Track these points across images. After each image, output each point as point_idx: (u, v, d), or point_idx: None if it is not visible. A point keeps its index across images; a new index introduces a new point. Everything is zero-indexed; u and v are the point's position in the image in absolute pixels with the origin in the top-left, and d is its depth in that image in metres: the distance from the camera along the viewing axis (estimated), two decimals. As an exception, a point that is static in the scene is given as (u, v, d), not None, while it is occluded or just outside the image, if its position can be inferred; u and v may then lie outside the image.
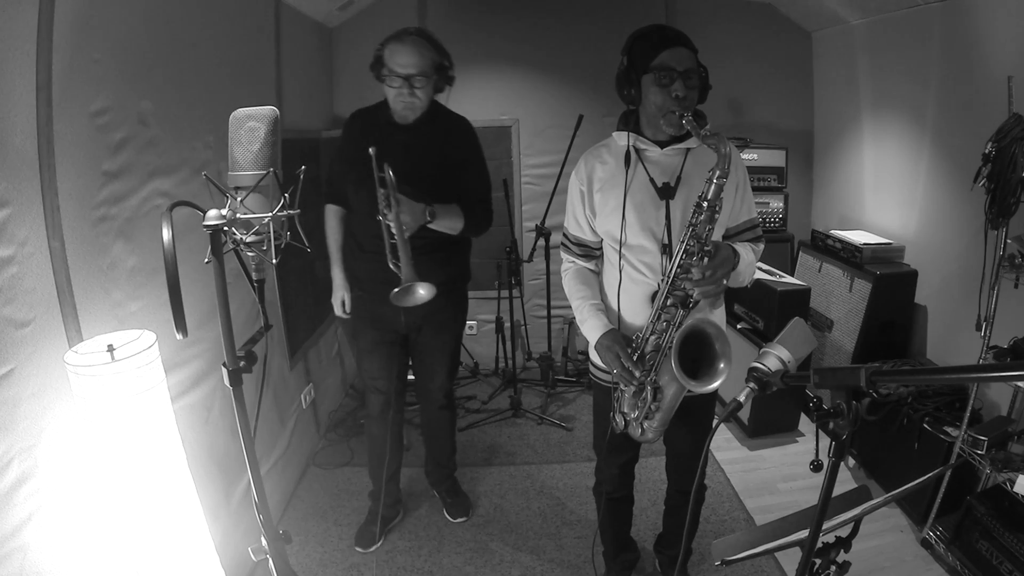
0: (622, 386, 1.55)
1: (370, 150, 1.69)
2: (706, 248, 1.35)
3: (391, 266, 1.75)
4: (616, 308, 1.56)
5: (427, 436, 2.42)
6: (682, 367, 1.34)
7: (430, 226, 1.83)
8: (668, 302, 1.42)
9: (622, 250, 1.50)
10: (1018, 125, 1.87)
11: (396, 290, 1.65)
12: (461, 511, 2.40)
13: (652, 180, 1.46)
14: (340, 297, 2.17)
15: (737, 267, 1.44)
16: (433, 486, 2.49)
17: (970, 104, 2.40)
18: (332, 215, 2.14)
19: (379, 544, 2.27)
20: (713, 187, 1.32)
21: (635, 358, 1.46)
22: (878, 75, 3.02)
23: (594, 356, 1.67)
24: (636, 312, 1.53)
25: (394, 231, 1.71)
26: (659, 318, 1.43)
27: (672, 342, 1.40)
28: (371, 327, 2.13)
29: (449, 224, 1.90)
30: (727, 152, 1.29)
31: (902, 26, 2.76)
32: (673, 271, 1.39)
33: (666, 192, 1.45)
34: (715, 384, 1.36)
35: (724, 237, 1.54)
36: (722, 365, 1.36)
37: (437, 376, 2.23)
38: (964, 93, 2.44)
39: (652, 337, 1.45)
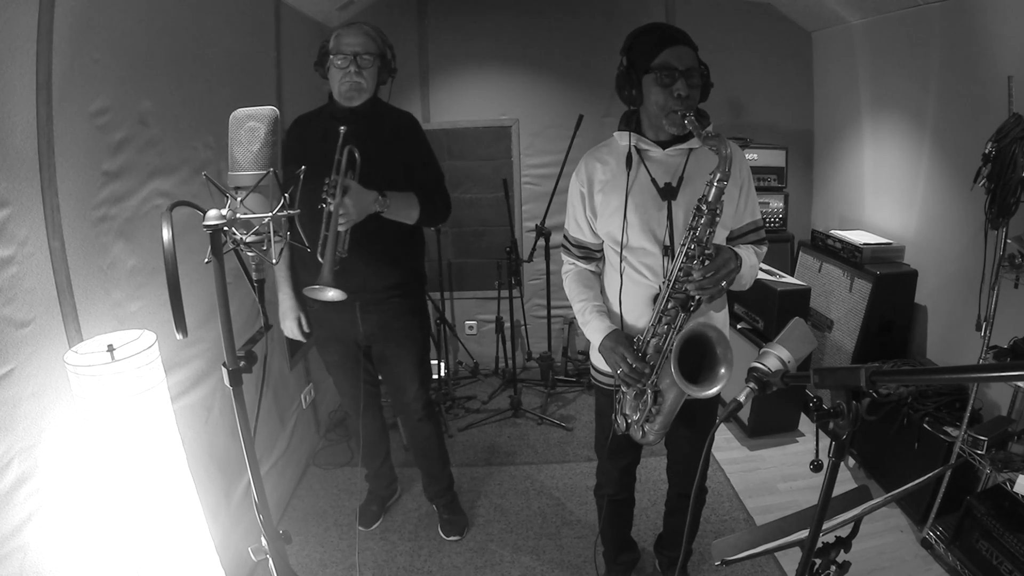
0: (624, 388, 1.54)
1: (340, 128, 1.65)
2: (707, 252, 1.34)
3: (319, 257, 1.68)
4: (618, 310, 1.55)
5: (414, 451, 2.32)
6: (683, 371, 1.33)
7: (384, 215, 1.78)
8: (669, 305, 1.41)
9: (623, 252, 1.49)
10: (1018, 125, 1.87)
11: (308, 287, 1.63)
12: (455, 530, 2.30)
13: (654, 180, 1.45)
14: (293, 319, 2.08)
15: (740, 270, 1.43)
16: (431, 500, 2.40)
17: (970, 104, 2.40)
18: None
19: (380, 522, 2.38)
20: (714, 190, 1.30)
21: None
22: (878, 75, 3.02)
23: (595, 359, 1.66)
24: (638, 314, 1.53)
25: (332, 222, 1.65)
26: (660, 321, 1.43)
27: (672, 346, 1.39)
28: (332, 338, 2.09)
29: (403, 212, 1.84)
30: (728, 154, 1.28)
31: (902, 26, 2.76)
32: (674, 274, 1.38)
33: (668, 193, 1.44)
34: (715, 389, 1.35)
35: (728, 238, 1.53)
36: (723, 370, 1.35)
37: (409, 387, 2.13)
38: (964, 93, 2.44)
39: (653, 340, 1.44)
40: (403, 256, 1.99)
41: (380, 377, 2.23)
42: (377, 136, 1.82)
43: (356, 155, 1.71)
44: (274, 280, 2.10)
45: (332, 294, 1.63)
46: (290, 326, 2.10)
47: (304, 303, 2.07)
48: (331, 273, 1.62)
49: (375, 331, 2.01)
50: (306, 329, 2.10)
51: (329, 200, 1.65)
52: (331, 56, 1.80)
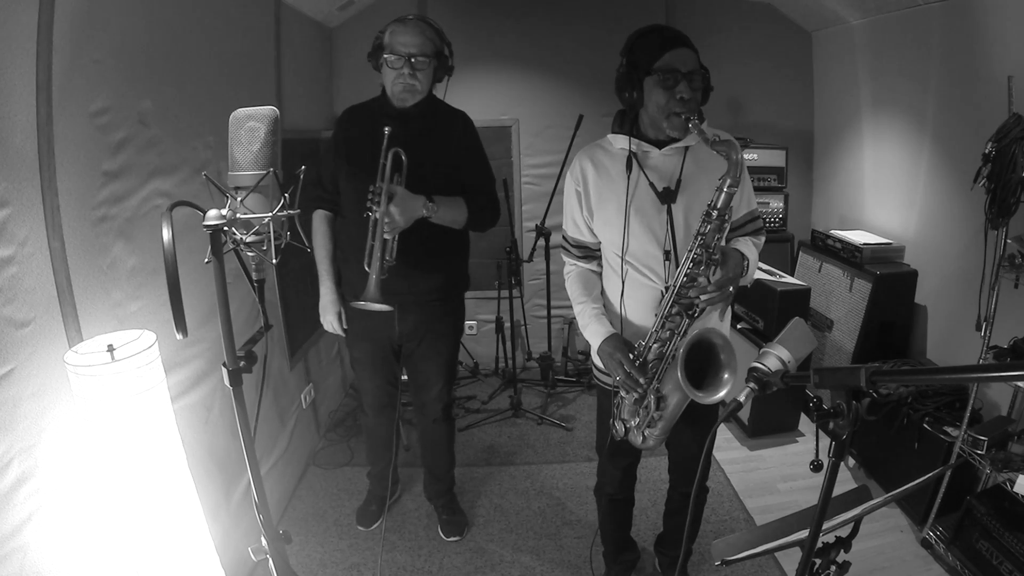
0: (623, 393, 1.53)
1: (385, 129, 1.62)
2: (714, 257, 1.32)
3: (365, 266, 1.66)
4: (619, 312, 1.54)
5: (424, 450, 2.31)
6: (687, 376, 1.33)
7: (432, 220, 1.74)
8: (673, 311, 1.39)
9: (625, 256, 1.48)
10: (1018, 125, 1.87)
11: (354, 301, 1.62)
12: (455, 530, 2.29)
13: (652, 185, 1.44)
14: (335, 313, 2.02)
15: (747, 271, 1.42)
16: (430, 499, 2.40)
17: (970, 104, 2.40)
18: (321, 221, 2.00)
19: (380, 522, 2.34)
20: (723, 196, 1.29)
21: (637, 365, 1.44)
22: (878, 75, 3.02)
23: (597, 359, 1.66)
24: (642, 316, 1.52)
25: (378, 230, 1.62)
26: (663, 327, 1.41)
27: (678, 351, 1.38)
28: (364, 337, 2.05)
29: (452, 217, 1.81)
30: (738, 159, 1.26)
31: (902, 26, 2.76)
32: (679, 281, 1.36)
33: (667, 196, 1.43)
34: (720, 395, 1.35)
35: (728, 230, 1.52)
36: (727, 376, 1.34)
37: (433, 387, 2.12)
38: (964, 93, 2.44)
39: (655, 345, 1.43)
40: (448, 260, 1.97)
41: (405, 374, 2.20)
42: (428, 136, 1.78)
43: (403, 158, 1.67)
44: (275, 280, 2.09)
45: (378, 306, 1.63)
46: (331, 320, 2.04)
47: (345, 297, 2.02)
48: (378, 288, 1.60)
49: (411, 331, 1.98)
50: (345, 325, 2.05)
51: (374, 208, 1.62)
52: (385, 54, 1.74)
